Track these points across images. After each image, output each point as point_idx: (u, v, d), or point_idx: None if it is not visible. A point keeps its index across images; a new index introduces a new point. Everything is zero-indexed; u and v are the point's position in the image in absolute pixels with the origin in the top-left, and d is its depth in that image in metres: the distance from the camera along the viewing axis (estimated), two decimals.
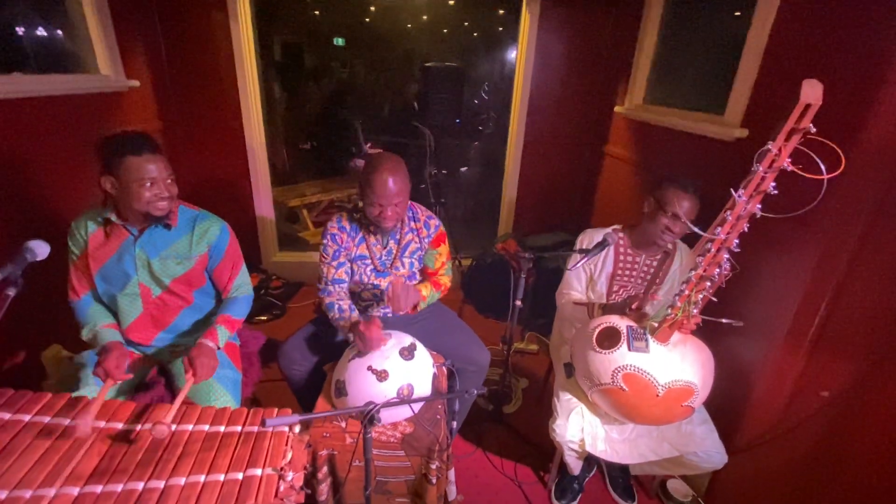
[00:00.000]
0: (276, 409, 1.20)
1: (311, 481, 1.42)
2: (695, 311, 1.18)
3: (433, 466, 1.37)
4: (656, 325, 1.30)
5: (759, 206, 0.98)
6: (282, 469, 1.05)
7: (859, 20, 1.19)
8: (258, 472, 1.03)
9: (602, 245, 1.44)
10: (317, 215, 4.25)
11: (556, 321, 1.87)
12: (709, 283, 1.13)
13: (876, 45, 1.13)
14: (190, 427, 1.14)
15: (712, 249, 1.07)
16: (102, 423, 1.12)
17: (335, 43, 4.76)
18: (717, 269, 1.10)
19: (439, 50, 4.54)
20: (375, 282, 1.64)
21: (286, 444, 1.12)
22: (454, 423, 1.39)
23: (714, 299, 1.13)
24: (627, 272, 1.59)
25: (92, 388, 1.26)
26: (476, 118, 4.26)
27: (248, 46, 2.61)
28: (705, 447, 1.37)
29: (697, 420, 1.41)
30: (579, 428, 1.43)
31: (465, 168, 4.53)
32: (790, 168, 0.90)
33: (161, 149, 1.24)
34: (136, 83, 2.25)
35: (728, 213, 1.02)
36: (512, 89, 2.92)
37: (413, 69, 4.45)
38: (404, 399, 1.17)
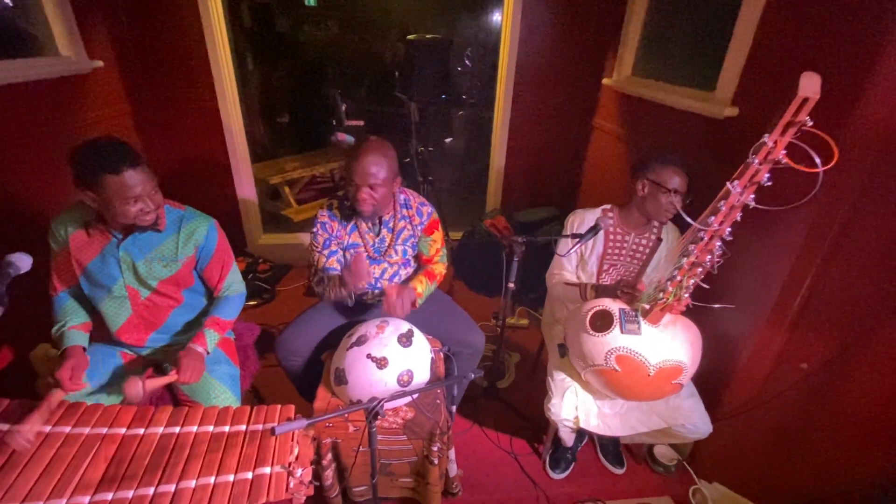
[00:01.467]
0: (278, 408, 1.21)
1: (315, 468, 1.46)
2: (686, 295, 1.22)
3: (434, 448, 1.42)
4: (647, 307, 1.34)
5: (753, 196, 0.99)
6: (290, 465, 1.08)
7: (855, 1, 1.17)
8: (267, 470, 1.05)
9: (595, 230, 1.46)
10: (299, 192, 4.16)
11: (547, 301, 1.91)
12: (700, 269, 1.16)
13: (871, 29, 1.12)
14: (194, 428, 1.15)
15: (705, 238, 1.09)
16: (105, 430, 1.12)
17: (306, 3, 4.51)
18: (709, 256, 1.13)
19: (418, 10, 4.33)
20: (371, 270, 1.64)
21: (292, 440, 1.14)
22: (454, 407, 1.43)
23: (706, 286, 1.16)
24: (617, 251, 1.62)
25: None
26: (460, 87, 4.14)
27: (218, 15, 2.44)
28: (692, 419, 1.44)
29: (685, 394, 1.48)
30: (573, 406, 1.49)
31: (450, 139, 4.44)
32: (785, 161, 0.91)
33: (141, 157, 1.16)
34: (99, 63, 2.11)
35: (721, 203, 1.04)
36: (497, 53, 2.82)
37: (391, 30, 4.25)
38: (407, 391, 1.19)
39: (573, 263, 1.68)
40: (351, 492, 1.55)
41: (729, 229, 1.07)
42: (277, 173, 3.72)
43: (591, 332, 1.37)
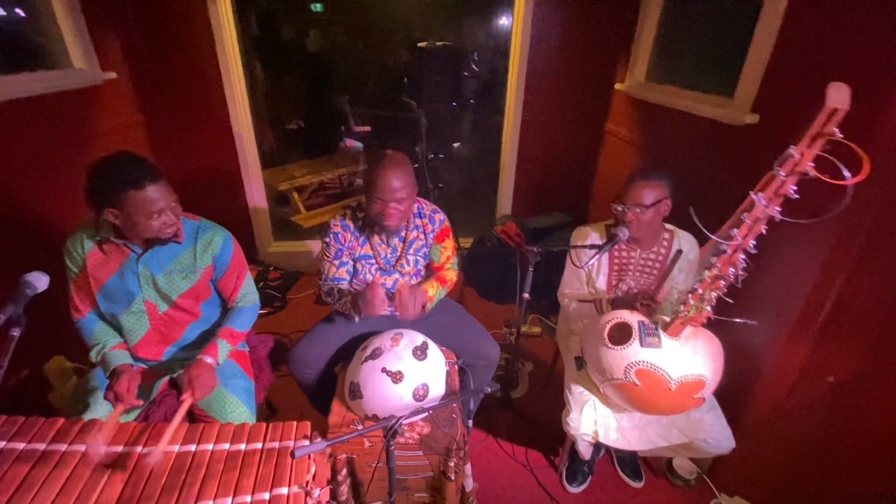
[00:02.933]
0: (294, 425, 1.20)
1: (328, 483, 1.45)
2: (708, 308, 1.19)
3: (451, 464, 1.39)
4: (668, 319, 1.31)
5: (779, 208, 0.96)
6: (307, 485, 1.06)
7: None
8: (284, 490, 1.03)
9: (613, 240, 1.43)
10: (307, 198, 4.16)
11: (561, 311, 1.88)
12: (723, 282, 1.13)
13: None
14: (210, 446, 1.13)
15: (728, 251, 1.06)
16: (121, 448, 1.11)
17: (313, 9, 4.53)
18: (732, 269, 1.10)
19: (426, 14, 4.31)
20: (382, 280, 1.62)
21: (309, 458, 1.13)
22: (470, 421, 1.40)
23: (730, 301, 1.12)
24: (624, 268, 1.59)
25: (102, 410, 1.24)
26: (469, 91, 4.12)
27: (229, 25, 2.45)
28: (714, 434, 1.41)
29: (706, 407, 1.45)
30: (592, 420, 1.46)
31: (459, 144, 4.42)
32: (813, 173, 0.88)
33: (160, 171, 1.17)
34: (112, 75, 2.12)
35: (745, 214, 1.01)
36: (506, 57, 2.80)
37: (398, 35, 4.25)
38: (424, 407, 1.17)
39: (583, 281, 1.65)
40: None
41: (753, 242, 1.04)
42: (286, 180, 3.72)
43: (609, 346, 1.34)
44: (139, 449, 1.12)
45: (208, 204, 2.79)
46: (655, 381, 1.28)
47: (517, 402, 2.13)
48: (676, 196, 1.46)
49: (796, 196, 0.93)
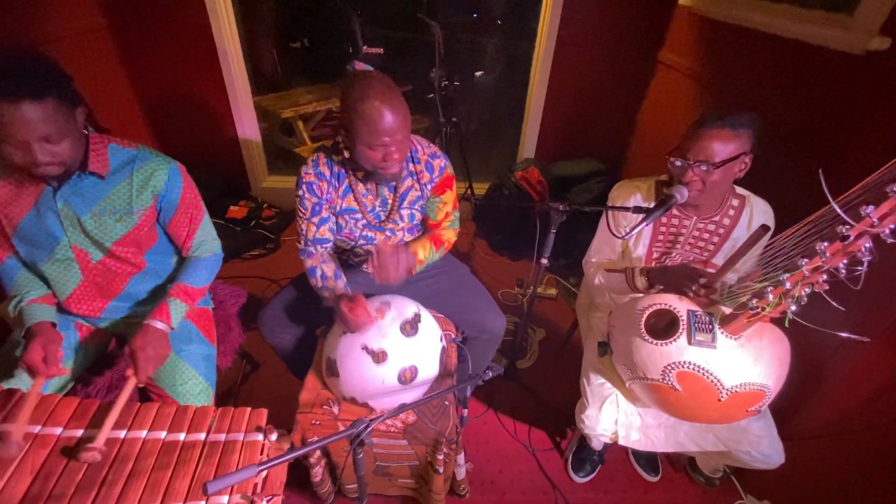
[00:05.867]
0: (247, 412, 0.98)
1: (302, 462, 1.28)
2: (793, 307, 0.88)
3: (440, 456, 1.19)
4: (728, 312, 1.01)
5: None
6: (254, 493, 0.86)
7: None
8: (224, 500, 0.84)
9: (666, 204, 1.10)
10: (313, 128, 3.80)
11: (584, 280, 1.59)
12: (824, 278, 0.81)
13: None
14: (143, 434, 0.93)
15: (851, 237, 0.73)
16: (38, 428, 0.92)
17: None
18: (844, 261, 0.77)
19: None
20: (370, 234, 1.34)
21: (262, 454, 0.92)
22: (465, 411, 1.18)
23: (842, 308, 0.79)
24: (672, 238, 1.26)
25: (26, 379, 1.04)
26: (496, 8, 3.56)
27: None
28: (761, 447, 1.16)
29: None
30: (613, 420, 1.22)
31: (481, 73, 3.91)
32: None
33: (46, 87, 0.84)
34: None
35: (893, 187, 0.67)
36: None
37: None
38: (404, 406, 0.94)
39: (616, 250, 1.33)
40: (344, 488, 1.37)
41: (892, 226, 0.70)
42: (290, 106, 3.35)
43: (646, 338, 1.06)
44: (58, 431, 0.92)
45: (191, 131, 2.48)
46: (702, 388, 1.01)
47: (523, 373, 1.91)
48: (760, 151, 1.09)
49: None
